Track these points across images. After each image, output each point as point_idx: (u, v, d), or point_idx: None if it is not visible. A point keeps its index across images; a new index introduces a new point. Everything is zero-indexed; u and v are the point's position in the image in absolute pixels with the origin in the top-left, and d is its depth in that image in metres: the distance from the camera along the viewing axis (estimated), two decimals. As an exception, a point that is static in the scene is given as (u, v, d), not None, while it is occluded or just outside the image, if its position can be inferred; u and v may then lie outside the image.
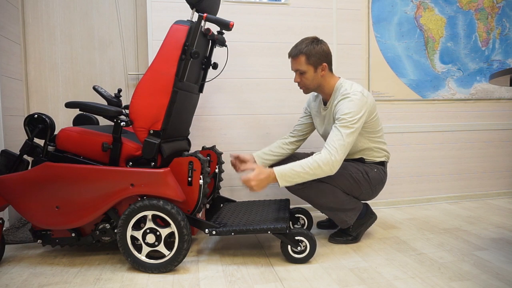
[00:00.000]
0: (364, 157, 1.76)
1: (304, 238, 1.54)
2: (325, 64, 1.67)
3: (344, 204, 1.69)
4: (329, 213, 1.73)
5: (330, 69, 1.72)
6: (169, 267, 1.46)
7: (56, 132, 1.74)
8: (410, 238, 1.83)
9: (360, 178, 1.70)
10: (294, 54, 1.68)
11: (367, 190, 1.73)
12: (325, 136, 1.84)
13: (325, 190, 1.67)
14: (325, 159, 1.50)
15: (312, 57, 1.64)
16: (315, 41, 1.66)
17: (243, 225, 1.55)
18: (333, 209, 1.70)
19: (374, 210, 2.21)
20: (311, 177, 1.52)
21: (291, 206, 2.24)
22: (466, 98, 2.58)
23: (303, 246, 1.55)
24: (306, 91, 1.74)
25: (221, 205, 1.99)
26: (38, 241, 1.55)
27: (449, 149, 2.57)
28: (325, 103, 1.78)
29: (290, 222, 1.93)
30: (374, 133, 1.73)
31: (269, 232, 1.51)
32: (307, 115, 1.94)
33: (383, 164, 1.79)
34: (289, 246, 1.55)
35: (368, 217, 1.83)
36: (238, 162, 1.86)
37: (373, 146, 1.75)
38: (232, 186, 2.24)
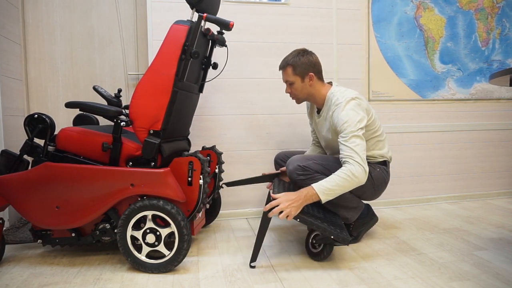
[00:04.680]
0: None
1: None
2: (311, 73, 1.70)
3: (347, 202, 1.71)
4: (331, 208, 1.74)
5: (320, 78, 1.74)
6: (169, 267, 1.46)
7: (56, 132, 1.73)
8: (410, 238, 1.83)
9: None
10: (282, 66, 1.75)
11: (369, 189, 1.73)
12: (322, 141, 1.88)
13: None
14: (355, 170, 1.50)
15: (298, 67, 1.69)
16: (302, 52, 1.71)
17: (309, 216, 1.52)
18: (336, 205, 1.71)
19: (374, 211, 2.21)
20: (349, 187, 1.52)
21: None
22: (466, 98, 2.58)
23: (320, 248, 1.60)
24: (298, 101, 1.79)
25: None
26: (38, 241, 1.55)
27: (449, 149, 2.57)
28: (318, 111, 1.82)
29: None
30: (371, 133, 1.73)
31: (332, 237, 1.48)
32: None
33: (385, 164, 1.79)
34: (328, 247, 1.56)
35: (369, 218, 1.84)
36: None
37: (372, 147, 1.75)
38: (232, 187, 2.23)
